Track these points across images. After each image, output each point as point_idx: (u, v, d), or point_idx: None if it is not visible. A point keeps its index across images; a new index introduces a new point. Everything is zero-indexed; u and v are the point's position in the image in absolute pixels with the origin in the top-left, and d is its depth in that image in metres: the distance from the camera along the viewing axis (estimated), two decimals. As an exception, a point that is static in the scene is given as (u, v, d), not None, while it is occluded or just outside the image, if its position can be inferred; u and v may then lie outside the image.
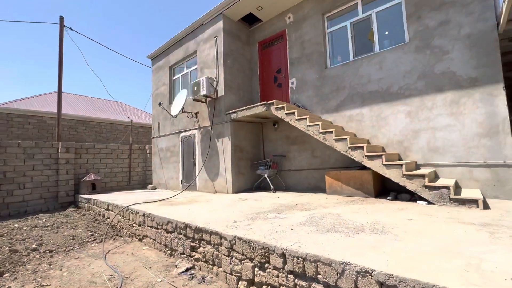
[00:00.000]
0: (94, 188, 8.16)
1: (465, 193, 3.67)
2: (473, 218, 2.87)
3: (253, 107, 6.05)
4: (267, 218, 3.39)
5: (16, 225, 5.70)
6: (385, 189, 5.04)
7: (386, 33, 5.33)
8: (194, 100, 7.11)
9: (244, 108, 6.25)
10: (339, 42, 6.03)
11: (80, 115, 14.94)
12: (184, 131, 8.11)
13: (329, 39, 6.20)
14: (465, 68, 4.28)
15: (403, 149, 4.88)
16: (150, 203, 5.28)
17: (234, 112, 6.50)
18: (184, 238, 3.44)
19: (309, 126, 5.07)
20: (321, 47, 6.17)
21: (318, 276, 2.00)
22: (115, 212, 5.45)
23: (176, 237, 3.58)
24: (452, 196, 3.49)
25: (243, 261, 2.60)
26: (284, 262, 2.23)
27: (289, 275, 2.20)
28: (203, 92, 6.67)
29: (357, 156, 4.39)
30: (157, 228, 4.01)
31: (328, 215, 3.35)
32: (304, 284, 2.09)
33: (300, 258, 2.11)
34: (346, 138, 4.53)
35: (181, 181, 8.09)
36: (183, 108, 7.16)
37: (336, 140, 4.67)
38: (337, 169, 5.51)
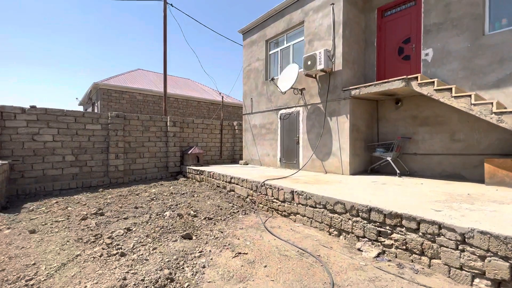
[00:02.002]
0: (198, 160, 8.70)
1: None
2: None
3: (385, 82, 5.44)
4: (470, 209, 2.98)
5: (153, 190, 6.36)
6: None
7: None
8: (307, 75, 6.75)
9: (371, 84, 5.68)
10: (508, 0, 4.89)
11: (162, 91, 15.96)
12: (284, 108, 7.92)
13: (490, -3, 5.07)
14: None
15: None
16: (277, 180, 5.28)
17: (356, 88, 5.98)
18: (365, 221, 3.26)
19: (474, 105, 4.32)
20: (477, 9, 5.11)
21: None
22: (242, 186, 5.64)
23: (349, 219, 3.44)
24: None
25: (488, 258, 2.28)
26: None
27: None
28: (320, 67, 6.24)
29: (557, 142, 3.59)
30: (315, 207, 3.94)
31: (556, 213, 2.78)
32: None
33: None
34: (541, 121, 3.72)
35: (280, 159, 8.08)
36: (293, 84, 6.88)
37: (521, 123, 3.88)
38: (501, 156, 4.70)
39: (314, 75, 6.84)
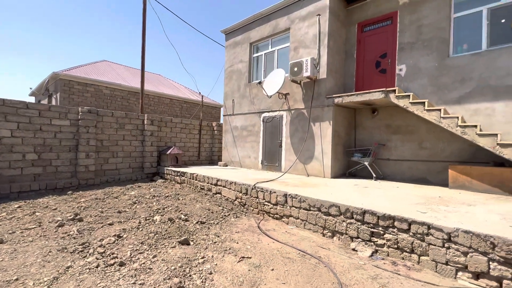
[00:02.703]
0: (177, 161, 8.37)
1: None
2: None
3: (367, 93, 5.88)
4: (448, 211, 3.39)
5: (132, 192, 5.96)
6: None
7: (534, 22, 4.92)
8: (292, 81, 6.96)
9: (354, 93, 6.08)
10: (468, 29, 5.64)
11: (132, 86, 15.01)
12: (267, 112, 8.05)
13: (455, 24, 5.81)
14: None
15: (544, 149, 4.69)
16: (267, 183, 5.36)
17: (339, 97, 6.35)
18: (359, 223, 3.50)
19: (443, 118, 4.91)
20: (444, 33, 5.81)
21: None
22: (230, 189, 5.60)
23: (343, 220, 3.66)
24: None
25: (470, 254, 2.64)
26: (551, 262, 2.24)
27: (558, 275, 2.22)
28: (306, 74, 6.49)
29: (508, 153, 4.26)
30: (309, 210, 4.10)
31: (513, 213, 3.32)
32: None
33: None
34: (496, 134, 4.38)
35: (261, 161, 8.17)
36: (279, 89, 7.04)
37: (480, 135, 4.52)
38: (461, 164, 5.39)
39: (299, 81, 7.09)
